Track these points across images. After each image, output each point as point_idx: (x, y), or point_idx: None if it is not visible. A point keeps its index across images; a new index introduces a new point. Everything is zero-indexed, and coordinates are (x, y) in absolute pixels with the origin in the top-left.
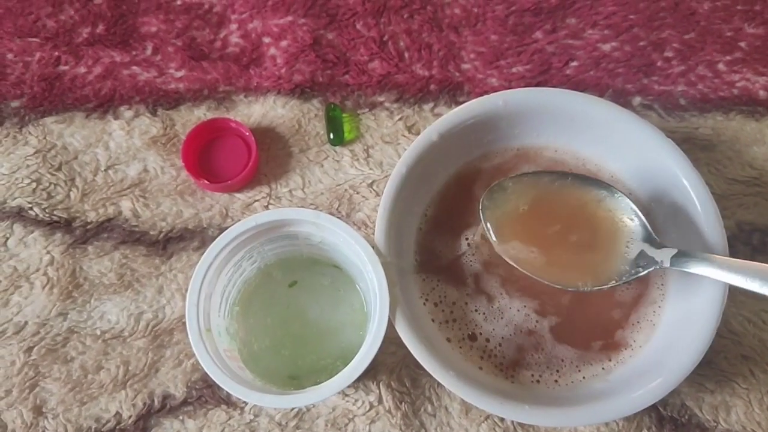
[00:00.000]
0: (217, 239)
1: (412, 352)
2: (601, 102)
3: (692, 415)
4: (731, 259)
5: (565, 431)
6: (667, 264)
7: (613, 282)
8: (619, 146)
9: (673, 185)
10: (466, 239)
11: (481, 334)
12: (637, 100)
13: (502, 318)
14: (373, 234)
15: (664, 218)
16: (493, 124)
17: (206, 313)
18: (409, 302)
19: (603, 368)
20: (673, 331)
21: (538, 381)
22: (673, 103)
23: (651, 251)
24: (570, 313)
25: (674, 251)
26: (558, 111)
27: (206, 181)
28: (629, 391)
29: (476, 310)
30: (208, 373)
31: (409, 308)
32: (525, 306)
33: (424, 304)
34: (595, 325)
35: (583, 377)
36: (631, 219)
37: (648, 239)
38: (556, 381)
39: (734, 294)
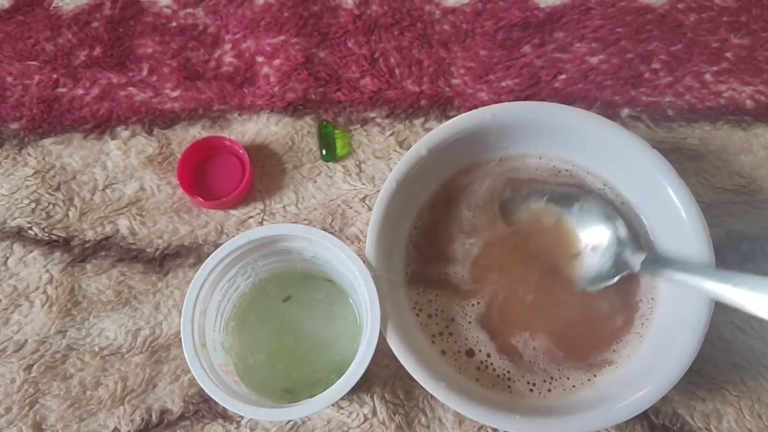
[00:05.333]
0: (210, 255)
1: (402, 363)
2: (587, 115)
3: (684, 423)
4: (702, 267)
5: None
6: (637, 268)
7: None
8: (607, 158)
9: (660, 196)
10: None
11: (480, 350)
12: (625, 111)
13: (497, 328)
14: (365, 248)
15: (653, 228)
16: (482, 138)
17: (201, 329)
18: (401, 315)
19: (595, 375)
20: (661, 341)
21: (531, 390)
22: (661, 114)
23: (627, 256)
24: (563, 328)
25: (644, 256)
26: (546, 124)
27: (201, 199)
28: (620, 400)
29: (473, 323)
30: (203, 387)
31: (401, 321)
32: (524, 319)
33: (417, 315)
34: (587, 339)
35: (573, 386)
36: (608, 226)
37: (623, 244)
38: (549, 390)
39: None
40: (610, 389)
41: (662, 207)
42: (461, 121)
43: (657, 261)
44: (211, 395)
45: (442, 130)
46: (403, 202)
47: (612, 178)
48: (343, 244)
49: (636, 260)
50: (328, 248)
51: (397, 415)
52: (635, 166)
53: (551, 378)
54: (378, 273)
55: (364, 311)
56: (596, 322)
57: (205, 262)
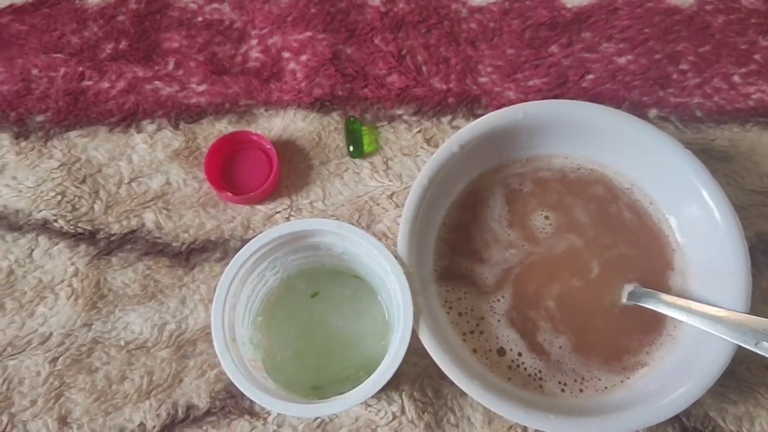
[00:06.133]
0: (242, 249)
1: (436, 361)
2: (619, 114)
3: (716, 426)
4: (676, 298)
5: None
6: (624, 299)
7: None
8: (637, 158)
9: (693, 196)
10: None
11: (511, 349)
12: (653, 112)
13: (524, 325)
14: (393, 245)
15: (681, 228)
16: (513, 136)
17: (231, 323)
18: (432, 312)
19: (628, 377)
20: (695, 343)
21: (563, 390)
22: (689, 114)
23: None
24: (595, 331)
25: (631, 288)
26: (577, 123)
27: (229, 193)
28: (653, 401)
29: (502, 321)
30: (235, 382)
31: (432, 318)
32: (550, 319)
33: (448, 313)
34: (619, 342)
35: (605, 387)
36: None
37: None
38: (581, 390)
39: (756, 305)
40: (644, 390)
41: (694, 208)
42: (493, 119)
43: (640, 294)
44: (243, 391)
45: (474, 127)
46: (434, 198)
47: (640, 178)
48: (374, 240)
49: (624, 292)
50: (359, 244)
51: (425, 413)
52: (667, 167)
53: (582, 378)
54: (410, 269)
55: (394, 308)
56: (628, 325)
57: (236, 256)
